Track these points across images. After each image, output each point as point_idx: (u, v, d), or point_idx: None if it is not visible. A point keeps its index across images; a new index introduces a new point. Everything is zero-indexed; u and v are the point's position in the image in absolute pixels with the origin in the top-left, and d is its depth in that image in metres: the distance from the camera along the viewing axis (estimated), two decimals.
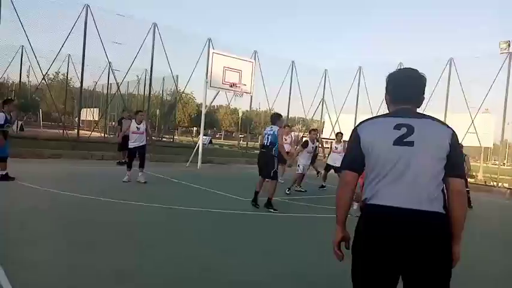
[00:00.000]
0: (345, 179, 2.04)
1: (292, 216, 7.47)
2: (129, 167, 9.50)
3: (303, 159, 10.11)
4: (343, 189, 2.04)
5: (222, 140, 52.25)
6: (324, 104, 23.08)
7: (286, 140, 12.16)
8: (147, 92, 28.31)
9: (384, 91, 2.20)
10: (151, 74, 17.86)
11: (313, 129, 10.94)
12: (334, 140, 12.41)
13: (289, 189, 9.67)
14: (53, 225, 5.31)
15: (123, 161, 12.49)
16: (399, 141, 1.90)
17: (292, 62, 21.10)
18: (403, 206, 1.83)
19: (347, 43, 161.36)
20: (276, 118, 7.59)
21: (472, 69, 17.01)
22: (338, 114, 22.38)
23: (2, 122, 7.95)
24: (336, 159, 10.57)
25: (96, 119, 32.46)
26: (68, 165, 11.46)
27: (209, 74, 12.47)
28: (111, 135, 28.90)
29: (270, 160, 7.28)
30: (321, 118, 23.68)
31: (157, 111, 30.13)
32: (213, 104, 26.75)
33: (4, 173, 8.06)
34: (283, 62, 20.97)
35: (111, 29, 16.06)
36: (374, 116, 2.18)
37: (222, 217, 6.79)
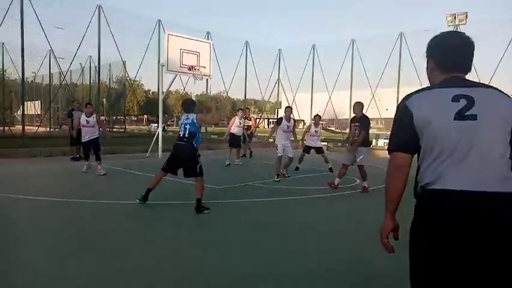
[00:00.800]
0: (397, 162, 1.75)
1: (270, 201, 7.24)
2: (87, 157, 9.54)
3: (280, 140, 9.41)
4: (396, 175, 1.75)
5: (174, 127, 50.96)
6: (280, 84, 22.94)
7: (240, 123, 12.03)
8: (93, 81, 26.96)
9: (426, 56, 1.93)
10: (99, 60, 16.69)
11: (288, 107, 10.38)
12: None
13: (277, 176, 9.14)
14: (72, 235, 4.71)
15: (77, 156, 11.86)
16: (460, 116, 1.64)
17: (246, 42, 20.68)
18: (473, 189, 1.59)
19: (299, 22, 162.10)
20: (190, 105, 6.54)
21: (423, 43, 17.43)
22: (294, 94, 22.35)
23: None
24: (315, 141, 10.60)
25: (39, 112, 30.45)
26: (19, 165, 10.52)
27: (165, 57, 11.80)
28: (57, 129, 27.22)
29: (192, 154, 6.18)
30: (278, 98, 23.56)
31: (104, 100, 28.66)
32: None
33: None
34: (237, 42, 20.49)
35: (51, 12, 14.80)
36: (423, 87, 1.88)
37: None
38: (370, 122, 8.49)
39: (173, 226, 5.37)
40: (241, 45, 20.68)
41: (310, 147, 10.80)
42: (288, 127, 9.52)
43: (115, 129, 26.41)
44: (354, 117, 8.40)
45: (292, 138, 10.08)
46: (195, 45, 12.27)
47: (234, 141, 12.05)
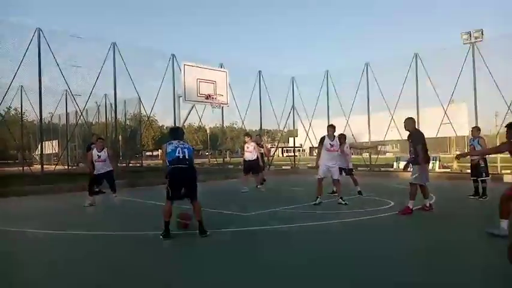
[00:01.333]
0: None
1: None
2: (92, 192, 9.59)
3: (323, 160, 9.20)
4: None
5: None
6: (295, 112, 22.78)
7: (248, 148, 11.81)
8: (108, 119, 27.21)
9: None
10: (115, 97, 16.61)
11: (331, 125, 9.90)
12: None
13: (317, 198, 9.00)
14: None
15: (97, 190, 11.75)
16: None
17: (259, 71, 20.70)
18: None
19: (312, 50, 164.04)
20: (182, 133, 6.39)
21: (438, 62, 17.24)
22: (310, 120, 22.11)
23: None
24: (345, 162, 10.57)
25: (56, 151, 30.73)
26: (41, 202, 10.42)
27: (182, 87, 11.75)
28: (74, 167, 27.35)
29: (195, 176, 6.05)
30: (294, 126, 23.33)
31: (120, 137, 28.82)
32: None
33: None
34: (249, 72, 20.52)
35: (64, 52, 14.94)
36: None
37: (234, 236, 6.19)
38: (423, 137, 8.17)
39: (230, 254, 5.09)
40: (254, 74, 20.70)
41: (341, 169, 10.18)
42: (331, 145, 9.09)
43: (131, 165, 26.37)
44: (408, 134, 8.12)
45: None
46: (211, 74, 12.26)
47: (247, 167, 11.93)
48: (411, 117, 8.22)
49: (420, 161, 7.88)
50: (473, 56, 16.11)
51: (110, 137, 25.59)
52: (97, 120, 30.86)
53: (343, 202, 8.86)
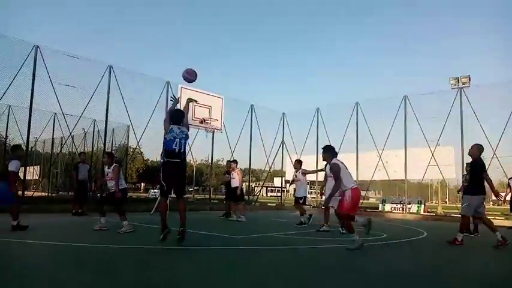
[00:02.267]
0: None
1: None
2: (102, 213, 8.22)
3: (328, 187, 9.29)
4: None
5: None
6: (284, 147, 22.85)
7: (227, 176, 11.98)
8: (96, 146, 26.69)
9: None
10: (106, 123, 16.33)
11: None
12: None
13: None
14: None
15: (79, 210, 11.55)
16: None
17: (252, 105, 20.90)
18: None
19: (303, 86, 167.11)
20: (182, 115, 6.29)
21: (426, 105, 17.75)
22: (299, 156, 22.13)
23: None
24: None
25: (37, 177, 29.88)
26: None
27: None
28: (54, 194, 26.51)
29: (185, 171, 6.03)
30: (282, 161, 23.32)
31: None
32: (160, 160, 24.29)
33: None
34: (241, 105, 20.66)
35: (59, 72, 14.70)
36: None
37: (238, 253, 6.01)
38: (484, 167, 7.99)
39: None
40: (246, 108, 20.84)
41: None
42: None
43: None
44: (472, 161, 8.15)
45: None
46: (207, 99, 12.31)
47: (230, 194, 11.91)
48: (480, 144, 8.14)
49: (491, 188, 8.14)
50: (460, 101, 16.64)
51: (94, 167, 25.08)
52: (83, 149, 30.36)
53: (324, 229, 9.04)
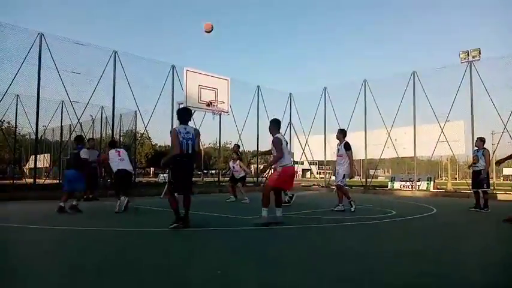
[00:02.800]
0: None
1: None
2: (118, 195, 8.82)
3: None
4: None
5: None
6: (292, 127, 22.77)
7: (234, 167, 11.97)
8: (105, 132, 26.83)
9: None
10: (113, 110, 16.35)
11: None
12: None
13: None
14: None
15: (90, 196, 11.63)
16: None
17: (258, 86, 20.74)
18: None
19: (310, 66, 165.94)
20: (188, 114, 6.51)
21: (436, 80, 17.43)
22: (307, 136, 22.10)
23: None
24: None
25: (47, 165, 30.22)
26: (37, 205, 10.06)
27: (184, 93, 11.67)
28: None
29: (193, 169, 6.47)
30: (290, 142, 23.23)
31: None
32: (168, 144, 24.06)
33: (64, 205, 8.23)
34: (248, 87, 20.50)
35: (65, 59, 14.63)
36: None
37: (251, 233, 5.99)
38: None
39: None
40: (252, 89, 20.69)
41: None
42: (338, 150, 9.73)
43: None
44: None
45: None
46: (213, 81, 12.21)
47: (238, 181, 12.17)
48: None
49: None
50: (470, 75, 16.32)
51: (103, 153, 25.14)
52: (91, 136, 30.51)
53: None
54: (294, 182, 9.89)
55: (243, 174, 11.99)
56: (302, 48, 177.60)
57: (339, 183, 9.58)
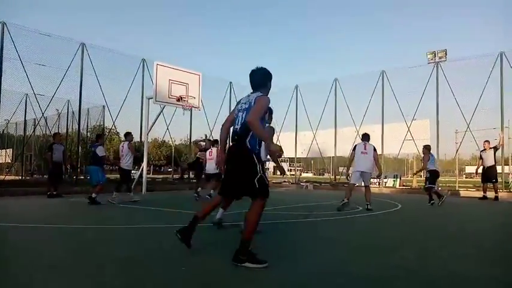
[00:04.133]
0: None
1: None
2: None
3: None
4: None
5: (151, 175, 49.70)
6: None
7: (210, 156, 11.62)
8: (71, 127, 25.99)
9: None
10: (80, 104, 15.81)
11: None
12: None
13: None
14: None
15: (54, 192, 11.36)
16: None
17: (230, 83, 20.66)
18: None
19: (283, 64, 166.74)
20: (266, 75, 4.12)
21: (405, 79, 17.92)
22: (279, 133, 22.19)
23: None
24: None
25: (9, 161, 29.04)
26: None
27: (154, 87, 11.45)
28: (28, 178, 25.79)
29: (247, 155, 3.76)
30: None
31: (80, 148, 27.53)
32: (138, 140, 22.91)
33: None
34: (221, 83, 20.37)
35: (29, 51, 14.05)
36: None
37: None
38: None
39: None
40: (225, 85, 20.60)
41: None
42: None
43: (89, 177, 25.22)
44: None
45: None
46: (184, 76, 12.02)
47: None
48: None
49: None
50: (437, 75, 16.84)
51: (69, 149, 24.43)
52: (57, 130, 29.50)
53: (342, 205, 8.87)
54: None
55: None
56: (275, 46, 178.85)
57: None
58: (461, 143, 17.32)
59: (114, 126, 20.21)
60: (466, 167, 48.52)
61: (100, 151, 9.67)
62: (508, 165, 20.54)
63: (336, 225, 6.87)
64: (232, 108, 18.76)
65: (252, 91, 4.00)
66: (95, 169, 9.62)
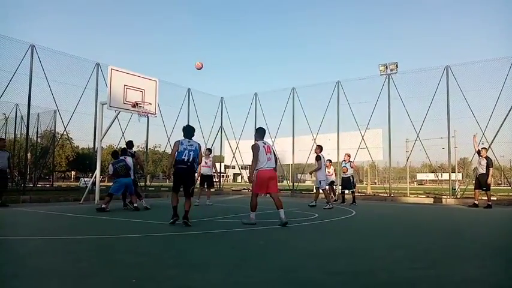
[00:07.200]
0: None
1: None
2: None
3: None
4: None
5: (106, 183, 48.17)
6: (223, 132, 22.78)
7: (206, 163, 12.02)
8: (20, 132, 24.69)
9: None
10: (28, 108, 14.98)
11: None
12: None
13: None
14: None
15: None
16: None
17: (189, 89, 20.44)
18: None
19: (242, 72, 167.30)
20: (192, 131, 7.40)
21: (358, 90, 18.52)
22: (238, 141, 22.23)
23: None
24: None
25: None
26: None
27: (108, 92, 11.12)
28: None
29: (192, 176, 7.33)
30: (221, 146, 23.21)
31: (29, 155, 26.18)
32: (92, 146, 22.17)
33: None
34: (179, 90, 20.14)
35: None
36: None
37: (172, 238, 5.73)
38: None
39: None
40: (183, 92, 20.40)
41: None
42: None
43: (39, 185, 24.09)
44: None
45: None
46: (140, 82, 11.77)
47: (204, 180, 12.63)
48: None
49: None
50: (388, 86, 17.52)
51: (17, 155, 23.26)
52: (4, 135, 27.89)
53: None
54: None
55: (212, 172, 12.92)
56: (236, 54, 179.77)
57: (318, 186, 12.04)
58: (411, 151, 18.05)
59: (66, 132, 19.47)
60: (417, 174, 50.60)
61: (130, 163, 10.36)
62: (454, 172, 21.64)
63: (289, 232, 6.93)
64: (190, 115, 18.73)
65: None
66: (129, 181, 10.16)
